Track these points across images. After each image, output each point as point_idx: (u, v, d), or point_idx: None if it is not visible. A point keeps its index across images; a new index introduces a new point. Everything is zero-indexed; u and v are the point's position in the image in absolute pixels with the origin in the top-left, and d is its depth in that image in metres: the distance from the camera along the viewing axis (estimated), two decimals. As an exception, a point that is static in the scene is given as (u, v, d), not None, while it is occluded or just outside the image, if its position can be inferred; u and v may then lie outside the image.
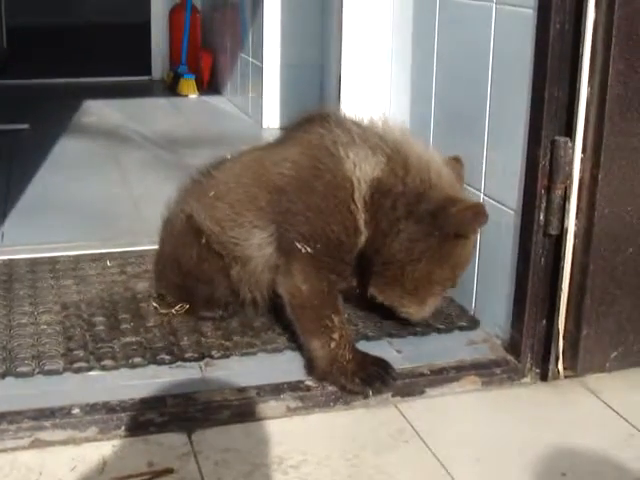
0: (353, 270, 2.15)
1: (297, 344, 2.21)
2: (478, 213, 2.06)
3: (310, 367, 2.12)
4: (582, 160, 2.08)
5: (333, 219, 2.07)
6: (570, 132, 2.07)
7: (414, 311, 2.21)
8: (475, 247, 2.24)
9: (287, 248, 2.10)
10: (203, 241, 2.26)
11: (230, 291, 2.31)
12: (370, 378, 2.06)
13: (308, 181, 2.09)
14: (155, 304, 2.43)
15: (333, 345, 2.05)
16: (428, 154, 2.14)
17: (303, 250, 2.07)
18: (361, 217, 2.07)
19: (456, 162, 2.25)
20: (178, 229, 2.34)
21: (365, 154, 2.08)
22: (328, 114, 2.19)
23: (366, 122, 2.17)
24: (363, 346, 2.20)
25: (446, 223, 2.04)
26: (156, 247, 2.49)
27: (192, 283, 2.33)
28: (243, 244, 2.20)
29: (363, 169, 2.07)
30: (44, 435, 1.89)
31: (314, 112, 2.24)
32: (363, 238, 2.09)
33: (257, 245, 2.18)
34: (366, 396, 2.06)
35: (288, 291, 2.11)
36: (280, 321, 2.31)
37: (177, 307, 2.39)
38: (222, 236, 2.23)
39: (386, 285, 2.15)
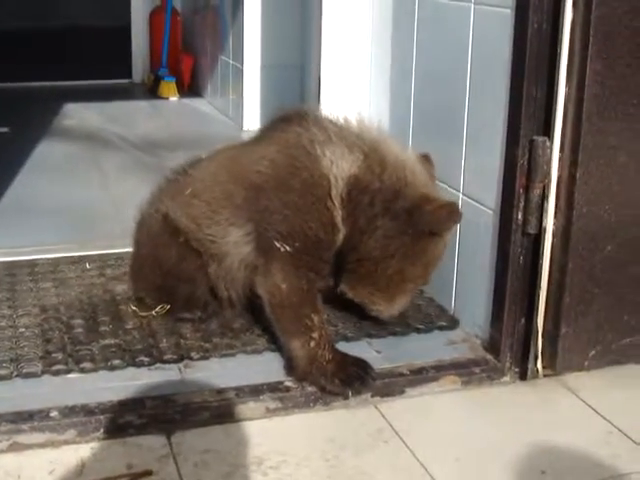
0: (331, 269, 2.15)
1: (276, 345, 2.21)
2: (452, 212, 2.07)
3: (290, 367, 2.12)
4: (560, 159, 2.09)
5: (311, 216, 2.07)
6: (548, 131, 2.07)
7: (383, 308, 2.21)
8: (447, 246, 2.24)
9: (266, 247, 2.10)
10: (181, 239, 2.26)
11: (209, 290, 2.30)
12: (350, 379, 2.06)
13: (285, 179, 2.09)
14: (134, 307, 2.41)
15: (313, 344, 2.05)
16: (404, 152, 2.15)
17: (282, 249, 2.07)
18: (338, 214, 2.08)
19: (426, 160, 2.26)
20: (155, 229, 2.33)
21: (342, 152, 2.09)
22: (305, 113, 2.19)
23: (342, 121, 2.17)
24: (343, 347, 2.20)
25: (421, 221, 2.05)
26: (134, 249, 2.48)
27: (173, 282, 2.32)
28: (220, 242, 2.20)
29: (340, 166, 2.07)
30: (22, 438, 1.88)
31: (291, 111, 2.23)
32: (341, 235, 2.10)
33: (233, 243, 2.18)
34: (346, 397, 2.06)
35: (267, 290, 2.10)
36: (259, 322, 2.31)
37: (157, 308, 2.38)
38: (198, 234, 2.23)
39: (358, 282, 2.15)
